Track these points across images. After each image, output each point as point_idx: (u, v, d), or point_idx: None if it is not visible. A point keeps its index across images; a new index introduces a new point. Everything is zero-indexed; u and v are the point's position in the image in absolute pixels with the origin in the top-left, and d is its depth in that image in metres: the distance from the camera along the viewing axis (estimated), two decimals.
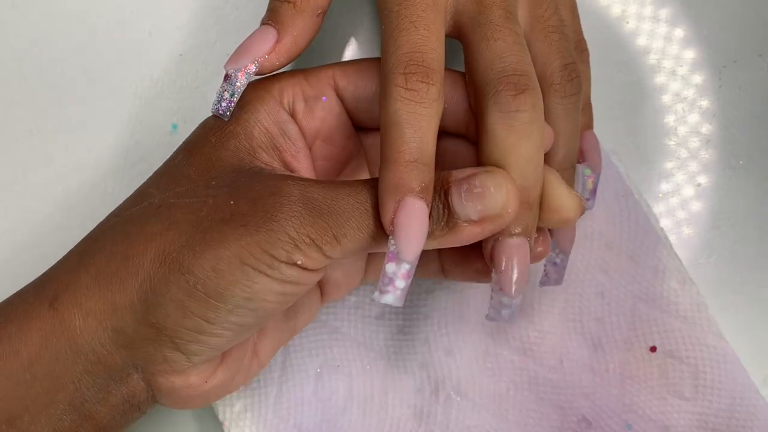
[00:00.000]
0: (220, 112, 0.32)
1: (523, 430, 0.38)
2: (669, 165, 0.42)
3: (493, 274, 0.31)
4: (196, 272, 0.29)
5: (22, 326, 0.30)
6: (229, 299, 0.29)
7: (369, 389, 0.39)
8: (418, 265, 0.32)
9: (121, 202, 0.41)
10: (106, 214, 0.41)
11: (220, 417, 0.39)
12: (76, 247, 0.33)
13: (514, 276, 0.31)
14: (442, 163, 0.33)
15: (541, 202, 0.32)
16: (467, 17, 0.32)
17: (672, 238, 0.41)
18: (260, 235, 0.29)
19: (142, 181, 0.41)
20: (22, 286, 0.40)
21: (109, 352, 0.30)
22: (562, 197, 0.32)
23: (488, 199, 0.29)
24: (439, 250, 0.35)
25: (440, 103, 0.30)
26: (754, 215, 0.41)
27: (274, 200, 0.29)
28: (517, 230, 0.31)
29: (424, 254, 0.34)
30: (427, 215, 0.29)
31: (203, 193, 0.31)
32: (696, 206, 0.42)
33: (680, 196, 0.42)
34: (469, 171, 0.30)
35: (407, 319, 0.40)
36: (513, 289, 0.31)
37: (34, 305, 0.31)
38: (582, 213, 0.32)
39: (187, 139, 0.34)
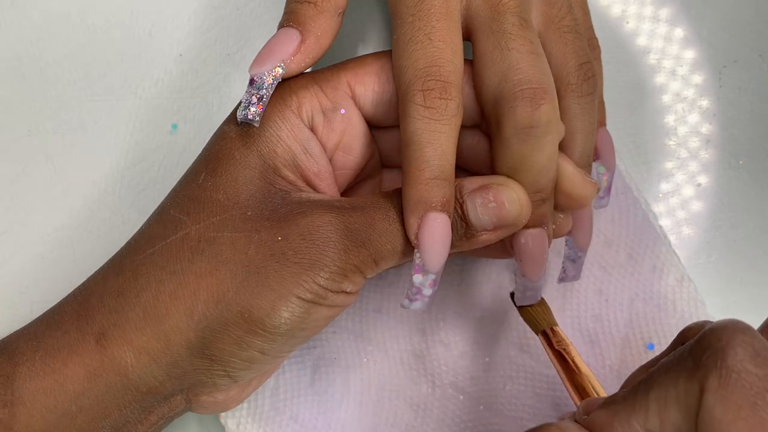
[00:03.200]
0: (249, 117, 0.32)
1: (519, 425, 0.39)
2: (669, 165, 0.43)
3: (516, 263, 0.34)
4: (255, 312, 0.30)
5: (67, 361, 0.31)
6: (286, 332, 0.31)
7: (365, 382, 0.40)
8: None
9: (120, 201, 0.42)
10: (106, 214, 0.42)
11: None
12: (111, 281, 0.33)
13: (536, 263, 0.33)
14: (459, 157, 0.34)
15: (560, 190, 0.33)
16: (479, 22, 0.33)
17: (672, 238, 0.42)
18: (314, 272, 0.30)
19: (142, 181, 0.42)
20: (22, 285, 0.41)
21: (161, 383, 0.31)
22: (579, 187, 0.33)
23: (503, 212, 0.31)
24: None
25: (459, 116, 0.31)
26: (754, 215, 0.43)
27: (322, 235, 0.31)
28: (535, 222, 0.33)
29: None
30: (450, 228, 0.31)
31: (243, 226, 0.31)
32: (696, 206, 0.43)
33: (680, 196, 0.43)
34: (479, 181, 0.32)
35: (405, 312, 0.41)
36: (536, 275, 0.34)
37: (79, 341, 0.31)
38: (596, 194, 0.35)
39: (207, 151, 0.34)
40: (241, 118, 0.32)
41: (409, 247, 0.31)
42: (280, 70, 0.32)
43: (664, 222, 0.42)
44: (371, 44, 0.45)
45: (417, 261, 0.31)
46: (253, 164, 0.32)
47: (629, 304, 0.40)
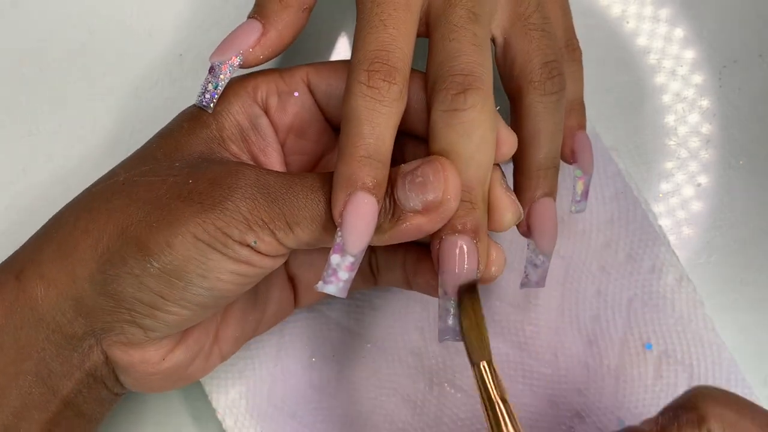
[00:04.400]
0: (204, 103, 0.34)
1: None
2: (669, 165, 0.44)
3: (439, 279, 0.32)
4: (152, 247, 0.31)
5: None
6: (182, 275, 0.31)
7: (363, 379, 0.41)
8: (385, 274, 0.33)
9: None
10: None
11: (214, 404, 0.40)
12: (42, 227, 0.35)
13: (458, 277, 0.31)
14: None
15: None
16: (434, 15, 0.34)
17: (672, 238, 0.43)
18: (215, 213, 0.31)
19: None
20: None
21: (69, 321, 0.32)
22: (497, 200, 0.33)
23: (428, 187, 0.31)
24: (404, 260, 0.37)
25: (401, 103, 0.32)
26: (754, 215, 0.43)
27: (231, 182, 0.31)
28: (460, 227, 0.32)
29: (390, 264, 0.37)
30: (376, 211, 0.31)
31: (165, 172, 0.33)
32: (696, 206, 0.43)
33: (680, 196, 0.43)
34: (415, 163, 0.32)
35: (403, 310, 0.41)
36: (455, 291, 0.32)
37: (2, 281, 0.33)
38: (518, 221, 0.34)
39: (165, 125, 0.36)
40: (197, 104, 0.35)
41: (330, 223, 0.31)
42: (238, 61, 0.34)
43: (664, 222, 0.43)
44: (344, 46, 0.45)
45: (338, 240, 0.31)
46: (198, 132, 0.34)
47: (628, 304, 0.41)
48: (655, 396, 0.39)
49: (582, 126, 0.38)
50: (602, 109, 0.43)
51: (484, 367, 0.31)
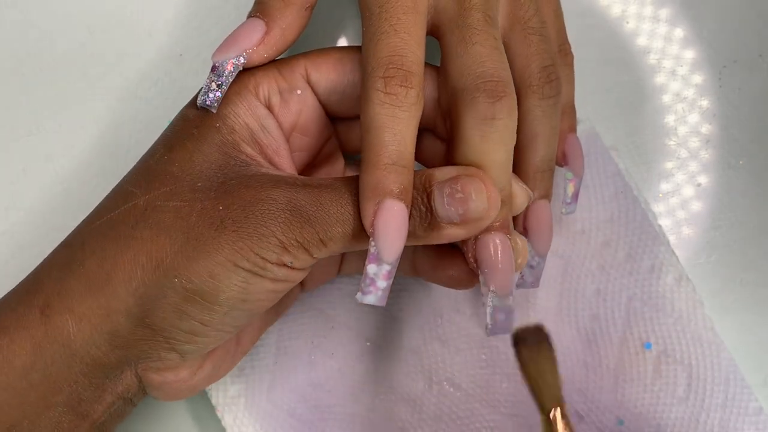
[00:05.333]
0: (207, 103, 0.34)
1: (515, 423, 0.40)
2: (669, 165, 0.44)
3: (481, 278, 0.33)
4: (193, 278, 0.31)
5: (14, 337, 0.32)
6: (224, 302, 0.31)
7: (361, 377, 0.41)
8: None
9: None
10: None
11: (213, 402, 0.41)
12: (59, 253, 0.34)
13: (502, 272, 0.32)
14: (419, 157, 0.36)
15: None
16: (447, 18, 0.34)
17: (672, 238, 0.43)
18: (252, 240, 0.31)
19: None
20: None
21: (105, 354, 0.32)
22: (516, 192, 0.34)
23: (470, 204, 0.31)
24: (414, 250, 0.37)
25: (419, 106, 0.32)
26: (754, 215, 0.43)
27: (263, 207, 0.31)
28: (496, 225, 0.33)
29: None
30: (407, 217, 0.31)
31: (190, 196, 0.32)
32: (696, 206, 0.43)
33: (680, 196, 0.44)
34: (450, 172, 0.32)
35: (402, 308, 0.42)
36: (506, 283, 0.32)
37: (25, 314, 0.32)
38: (529, 202, 0.35)
39: (165, 132, 0.35)
40: (200, 103, 0.34)
41: (361, 233, 0.32)
42: (242, 59, 0.34)
43: (664, 222, 0.43)
44: (344, 42, 0.45)
45: (372, 250, 0.31)
46: (210, 139, 0.34)
47: (627, 304, 0.41)
48: (654, 395, 0.40)
49: (573, 129, 0.39)
50: (602, 109, 0.44)
51: (554, 416, 0.31)
